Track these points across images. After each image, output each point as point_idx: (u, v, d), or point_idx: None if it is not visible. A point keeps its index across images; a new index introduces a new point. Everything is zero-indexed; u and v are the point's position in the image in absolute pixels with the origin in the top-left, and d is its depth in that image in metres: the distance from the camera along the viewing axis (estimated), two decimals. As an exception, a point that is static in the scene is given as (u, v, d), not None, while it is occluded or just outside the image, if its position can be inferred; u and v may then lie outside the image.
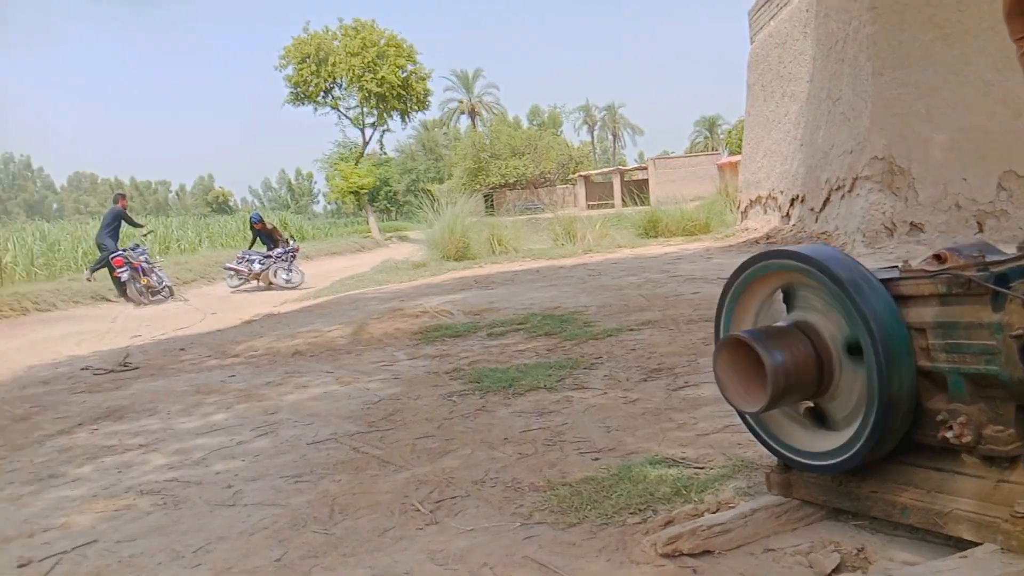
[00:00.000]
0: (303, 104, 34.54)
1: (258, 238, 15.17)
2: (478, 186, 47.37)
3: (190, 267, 16.71)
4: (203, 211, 60.29)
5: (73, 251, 17.68)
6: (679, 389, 3.32)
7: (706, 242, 12.52)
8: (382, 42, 33.24)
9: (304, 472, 2.75)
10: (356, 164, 35.40)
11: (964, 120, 7.38)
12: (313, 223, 38.36)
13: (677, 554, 1.76)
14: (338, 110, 35.63)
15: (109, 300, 12.63)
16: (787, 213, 10.21)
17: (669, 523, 1.91)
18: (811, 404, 1.80)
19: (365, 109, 34.95)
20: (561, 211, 21.70)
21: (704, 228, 15.33)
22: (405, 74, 33.80)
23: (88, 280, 13.12)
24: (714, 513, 1.92)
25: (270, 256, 14.36)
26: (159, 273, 12.93)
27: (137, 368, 5.57)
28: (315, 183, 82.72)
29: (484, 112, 70.70)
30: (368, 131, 36.45)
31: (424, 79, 35.07)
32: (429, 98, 36.18)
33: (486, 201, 44.81)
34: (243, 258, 14.54)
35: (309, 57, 32.94)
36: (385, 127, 36.36)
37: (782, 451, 1.86)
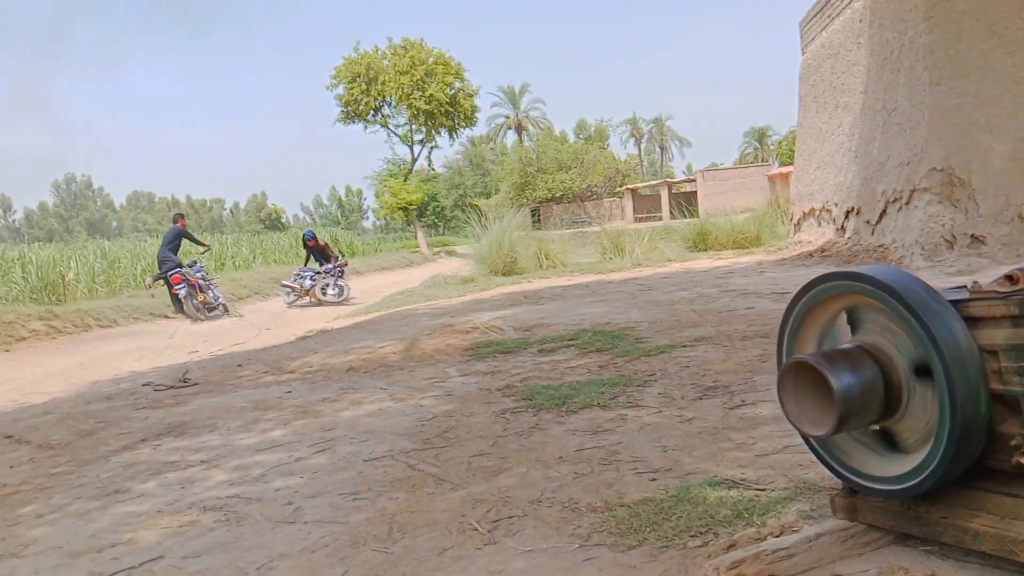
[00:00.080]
0: (353, 122, 35.06)
1: (311, 255, 15.44)
2: (525, 200, 47.46)
3: (244, 283, 17.06)
4: (256, 228, 61.67)
5: (132, 268, 18.18)
6: (736, 408, 3.28)
7: (758, 255, 12.35)
8: (430, 60, 33.62)
9: (362, 489, 2.78)
10: (405, 180, 35.82)
11: (1026, 129, 7.18)
12: (363, 239, 38.94)
13: (741, 579, 1.73)
14: (387, 128, 36.12)
15: (167, 316, 12.95)
16: (842, 226, 10.03)
17: (731, 547, 1.89)
18: (879, 428, 1.76)
19: (414, 126, 35.36)
20: (608, 224, 21.63)
21: (755, 241, 15.12)
22: (453, 91, 34.11)
23: (148, 287, 13.69)
24: (777, 537, 1.89)
25: (320, 272, 14.61)
26: (215, 290, 13.24)
27: (196, 384, 5.69)
28: (364, 199, 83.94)
29: (531, 127, 70.92)
30: (416, 148, 36.86)
31: (472, 96, 35.35)
32: (476, 114, 36.46)
33: (533, 215, 44.88)
34: (298, 275, 14.83)
35: (359, 76, 33.45)
36: (433, 144, 36.74)
37: (848, 475, 1.82)
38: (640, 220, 41.00)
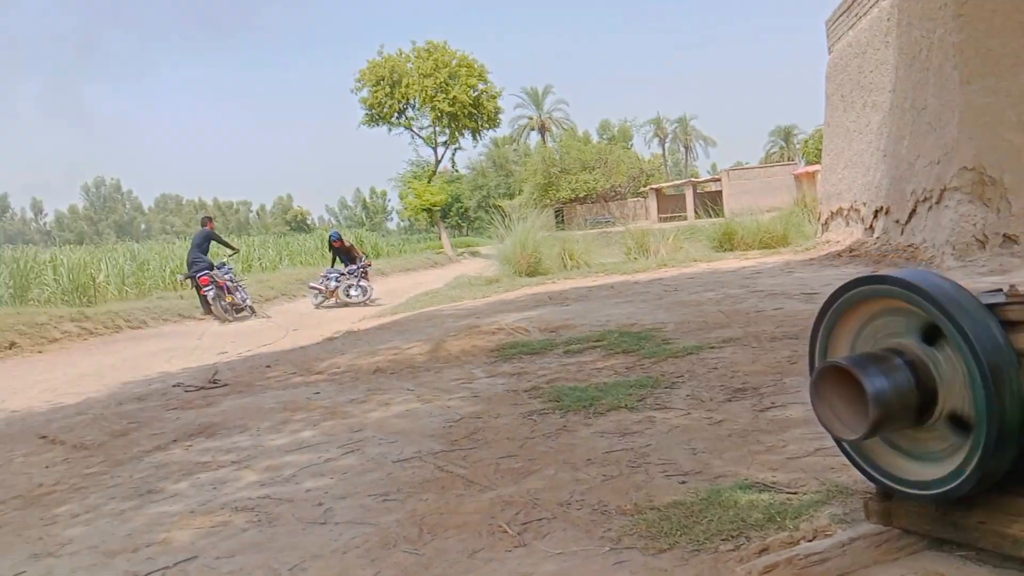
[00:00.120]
0: (378, 125, 35.31)
1: (337, 256, 15.55)
2: (548, 201, 47.45)
3: (271, 284, 17.23)
4: (282, 230, 62.18)
5: (161, 270, 18.43)
6: (766, 410, 3.26)
7: (785, 255, 12.25)
8: (454, 63, 33.79)
9: (391, 490, 2.80)
10: (429, 182, 36.01)
11: (1060, 127, 7.06)
12: (387, 240, 39.17)
13: (773, 583, 1.73)
14: (411, 130, 36.34)
15: (195, 317, 13.11)
16: (871, 225, 9.92)
17: (764, 551, 1.88)
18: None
19: (437, 128, 35.56)
20: (632, 224, 21.56)
21: (782, 240, 14.99)
22: (476, 93, 34.26)
23: (181, 282, 14.32)
24: (810, 541, 1.88)
25: (344, 274, 14.72)
26: (243, 291, 13.38)
27: (226, 385, 5.76)
28: (389, 201, 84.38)
29: (554, 128, 70.87)
30: (440, 150, 37.06)
31: (495, 97, 35.47)
32: (500, 116, 36.61)
33: (556, 216, 44.83)
34: (325, 277, 14.96)
35: (383, 79, 33.68)
36: (457, 145, 36.95)
37: (882, 479, 1.80)
38: (664, 220, 40.83)
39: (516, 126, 71.99)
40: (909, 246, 8.29)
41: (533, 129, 72.15)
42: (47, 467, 3.88)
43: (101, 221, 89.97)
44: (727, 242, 15.69)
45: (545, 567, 2.01)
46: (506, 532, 2.27)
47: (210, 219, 14.49)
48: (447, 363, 5.52)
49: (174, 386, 6.05)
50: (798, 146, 68.87)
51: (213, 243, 13.95)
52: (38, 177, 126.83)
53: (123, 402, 5.64)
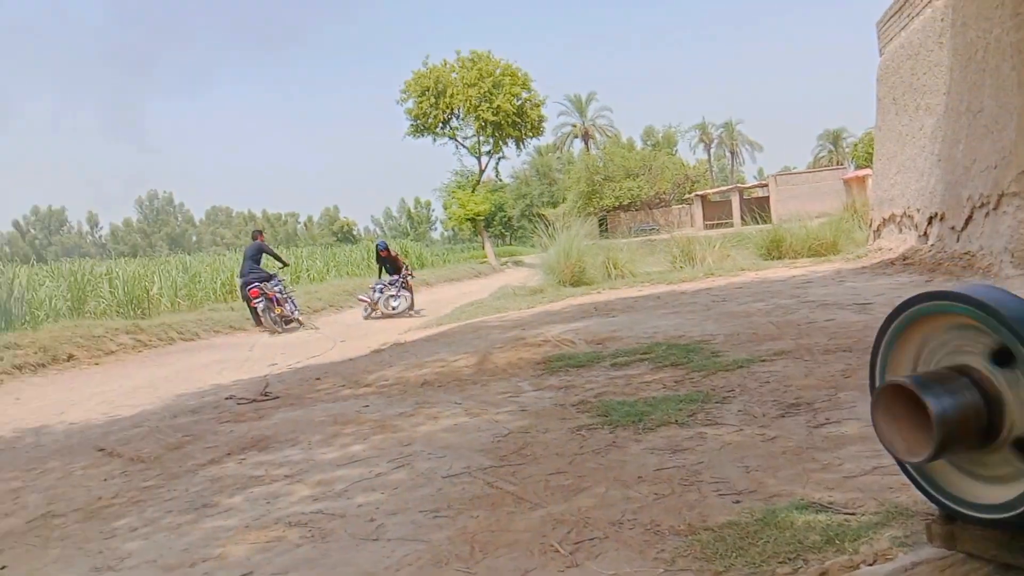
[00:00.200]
0: (423, 136, 35.61)
1: (383, 265, 15.68)
2: (592, 209, 47.35)
3: (319, 295, 17.44)
4: (329, 241, 63.01)
5: (212, 282, 18.77)
6: (820, 426, 3.19)
7: (836, 263, 12.02)
8: (497, 72, 33.93)
9: (442, 507, 2.80)
10: (472, 191, 36.16)
11: (1126, 128, 6.81)
12: (431, 249, 39.34)
13: (834, 609, 1.69)
14: (455, 140, 36.57)
15: (246, 329, 13.33)
16: (924, 232, 9.68)
17: (823, 575, 1.84)
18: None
19: (481, 138, 35.72)
20: (677, 232, 21.35)
21: (832, 248, 14.70)
22: (520, 102, 34.35)
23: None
24: (871, 566, 1.83)
25: (386, 284, 14.85)
26: (292, 303, 13.58)
27: (277, 398, 5.84)
28: (433, 211, 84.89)
29: (598, 135, 70.74)
30: (484, 159, 37.21)
31: (538, 106, 35.53)
32: (543, 124, 36.65)
33: (600, 224, 44.72)
34: (373, 288, 15.10)
35: (428, 90, 33.96)
36: (500, 154, 37.06)
37: (946, 501, 1.75)
38: (710, 227, 40.40)
39: (559, 134, 72.08)
40: (965, 254, 8.07)
41: (577, 137, 72.13)
42: (105, 480, 3.98)
43: (154, 234, 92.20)
44: (775, 249, 15.43)
45: (598, 588, 1.99)
46: (558, 551, 2.25)
47: (260, 232, 14.76)
48: (493, 376, 5.53)
49: (227, 399, 6.16)
50: (847, 149, 67.72)
51: (265, 256, 14.19)
52: (95, 191, 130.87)
53: (177, 415, 5.76)
